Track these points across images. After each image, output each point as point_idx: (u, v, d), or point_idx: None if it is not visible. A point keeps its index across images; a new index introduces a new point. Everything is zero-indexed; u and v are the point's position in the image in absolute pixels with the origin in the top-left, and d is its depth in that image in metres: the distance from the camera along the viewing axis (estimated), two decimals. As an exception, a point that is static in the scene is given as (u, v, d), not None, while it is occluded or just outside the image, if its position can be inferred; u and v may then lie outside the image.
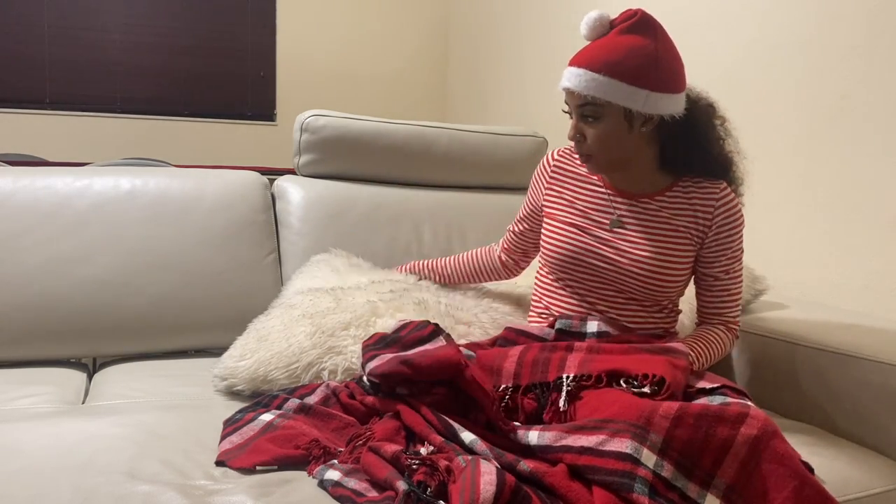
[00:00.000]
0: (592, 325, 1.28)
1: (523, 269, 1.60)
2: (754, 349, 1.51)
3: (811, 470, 0.97)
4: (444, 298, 1.52)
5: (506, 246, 1.57)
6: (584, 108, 1.24)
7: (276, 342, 1.37)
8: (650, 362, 1.13)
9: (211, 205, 1.69)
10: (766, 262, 1.99)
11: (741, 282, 1.35)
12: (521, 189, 2.07)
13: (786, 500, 0.89)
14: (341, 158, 1.85)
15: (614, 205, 1.33)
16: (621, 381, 1.10)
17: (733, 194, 1.31)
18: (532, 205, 1.48)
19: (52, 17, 3.58)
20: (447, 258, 1.65)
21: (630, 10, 1.24)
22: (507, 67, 3.50)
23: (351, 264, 1.67)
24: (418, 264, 1.67)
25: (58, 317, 1.53)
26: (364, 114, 1.93)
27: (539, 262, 1.44)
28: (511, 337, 1.31)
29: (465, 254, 1.63)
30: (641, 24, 1.22)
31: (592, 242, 1.32)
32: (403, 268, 1.68)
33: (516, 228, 1.53)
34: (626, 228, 1.31)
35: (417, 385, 1.14)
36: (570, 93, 1.25)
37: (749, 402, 1.05)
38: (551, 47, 3.12)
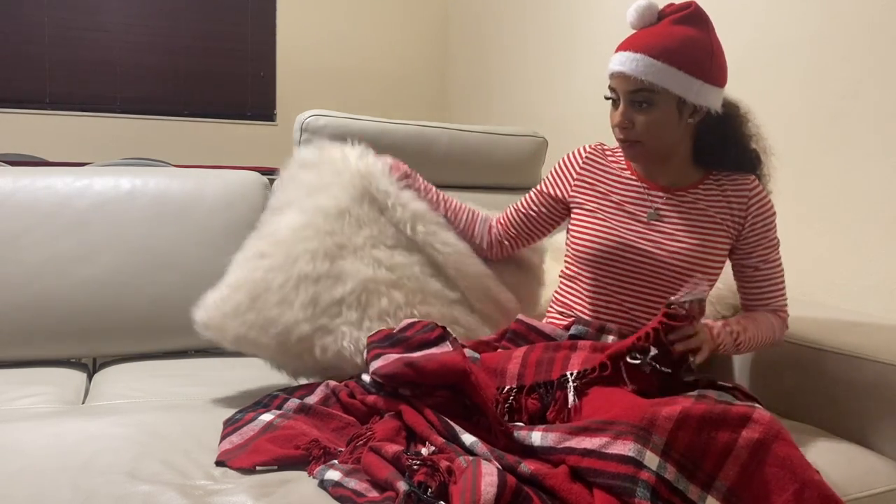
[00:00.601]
0: (608, 340, 1.27)
1: (504, 255, 1.52)
2: (755, 349, 1.51)
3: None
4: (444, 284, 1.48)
5: (503, 221, 1.49)
6: (637, 94, 1.23)
7: (270, 307, 1.33)
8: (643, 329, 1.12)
9: (211, 205, 1.69)
10: (767, 262, 1.99)
11: (782, 270, 1.35)
12: (521, 189, 2.06)
13: (786, 503, 0.89)
14: (341, 158, 1.85)
15: (651, 198, 1.33)
16: (627, 359, 1.09)
17: (762, 186, 1.33)
18: (550, 193, 1.43)
19: (53, 16, 3.58)
20: (452, 200, 1.53)
21: (681, 2, 1.26)
22: (507, 67, 3.50)
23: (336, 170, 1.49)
24: (428, 186, 1.53)
25: (58, 317, 1.53)
26: (364, 113, 1.93)
27: (567, 258, 1.40)
28: (521, 331, 1.30)
29: (467, 207, 1.53)
30: (695, 16, 1.24)
31: (629, 236, 1.31)
32: (415, 173, 1.53)
33: (521, 209, 1.46)
34: (663, 221, 1.31)
35: (420, 387, 1.14)
36: (623, 78, 1.24)
37: (756, 405, 1.04)
38: (552, 46, 3.12)
